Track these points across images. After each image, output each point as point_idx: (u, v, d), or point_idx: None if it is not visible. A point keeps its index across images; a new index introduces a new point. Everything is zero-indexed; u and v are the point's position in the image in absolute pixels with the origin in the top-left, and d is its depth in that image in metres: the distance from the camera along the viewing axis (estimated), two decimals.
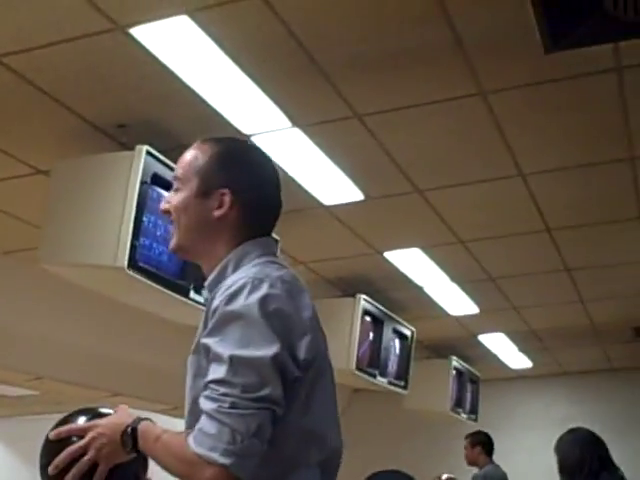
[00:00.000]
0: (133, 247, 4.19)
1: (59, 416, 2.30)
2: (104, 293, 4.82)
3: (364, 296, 7.18)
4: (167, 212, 2.19)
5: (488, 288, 7.60)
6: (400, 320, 8.00)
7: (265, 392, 1.80)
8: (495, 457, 8.20)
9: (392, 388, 8.04)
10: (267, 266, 2.02)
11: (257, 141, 4.57)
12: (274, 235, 2.26)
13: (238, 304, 1.88)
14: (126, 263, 4.17)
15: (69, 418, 2.25)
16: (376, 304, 7.40)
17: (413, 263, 6.85)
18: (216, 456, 1.76)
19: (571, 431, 4.85)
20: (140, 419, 2.01)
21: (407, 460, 8.61)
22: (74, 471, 2.01)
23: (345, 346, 6.89)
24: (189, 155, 2.20)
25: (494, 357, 10.18)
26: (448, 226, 6.06)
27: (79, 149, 4.46)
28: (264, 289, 1.89)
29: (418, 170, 5.15)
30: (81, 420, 2.20)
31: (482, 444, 7.61)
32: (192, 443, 1.81)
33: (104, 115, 4.32)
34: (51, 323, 6.39)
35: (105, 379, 7.34)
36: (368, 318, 7.27)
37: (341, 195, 5.41)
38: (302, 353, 1.88)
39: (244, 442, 1.77)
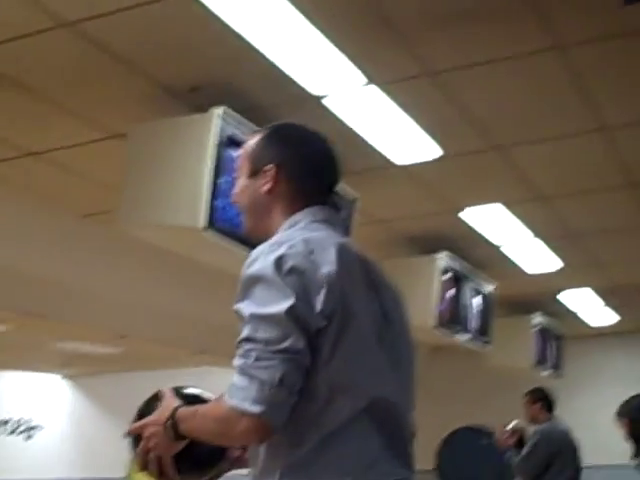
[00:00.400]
0: (211, 208, 4.25)
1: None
2: (183, 253, 4.88)
3: (444, 253, 7.15)
4: (235, 202, 2.33)
5: (571, 244, 7.50)
6: (481, 277, 7.96)
7: (287, 344, 1.92)
8: (580, 413, 8.14)
9: (474, 345, 8.01)
10: (298, 230, 2.13)
11: (328, 102, 4.57)
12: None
13: (256, 267, 2.00)
14: (205, 224, 4.23)
15: (153, 401, 2.31)
16: (457, 261, 7.37)
17: (495, 219, 6.77)
18: (247, 405, 1.89)
19: (636, 397, 4.89)
20: (178, 407, 2.11)
21: (489, 417, 8.64)
22: (151, 467, 2.15)
23: (425, 304, 6.87)
24: (245, 145, 2.32)
25: (577, 313, 10.05)
26: (529, 182, 5.98)
27: (154, 112, 4.50)
28: (281, 250, 1.99)
29: (497, 126, 5.08)
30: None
31: (543, 400, 7.51)
32: (226, 398, 1.94)
33: (177, 78, 4.35)
34: (134, 283, 6.51)
35: (189, 337, 7.46)
36: (448, 275, 7.24)
37: (420, 153, 5.35)
38: (319, 305, 1.96)
39: (271, 390, 1.89)
